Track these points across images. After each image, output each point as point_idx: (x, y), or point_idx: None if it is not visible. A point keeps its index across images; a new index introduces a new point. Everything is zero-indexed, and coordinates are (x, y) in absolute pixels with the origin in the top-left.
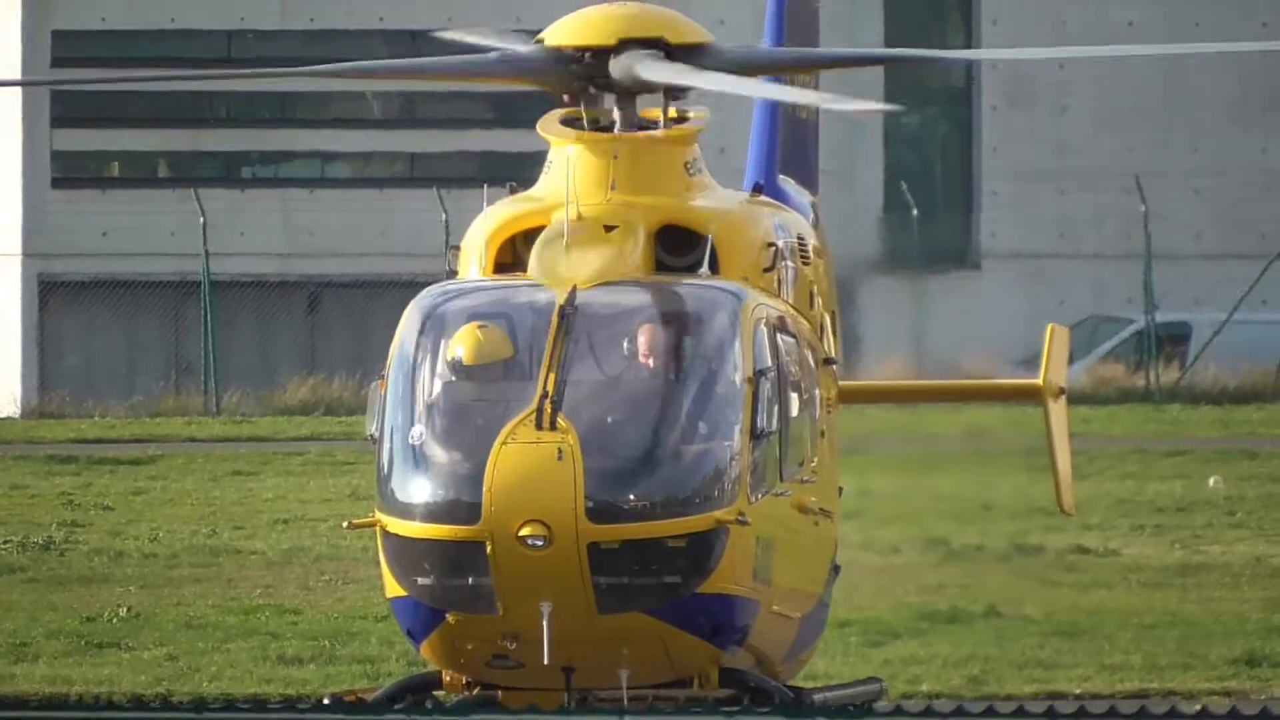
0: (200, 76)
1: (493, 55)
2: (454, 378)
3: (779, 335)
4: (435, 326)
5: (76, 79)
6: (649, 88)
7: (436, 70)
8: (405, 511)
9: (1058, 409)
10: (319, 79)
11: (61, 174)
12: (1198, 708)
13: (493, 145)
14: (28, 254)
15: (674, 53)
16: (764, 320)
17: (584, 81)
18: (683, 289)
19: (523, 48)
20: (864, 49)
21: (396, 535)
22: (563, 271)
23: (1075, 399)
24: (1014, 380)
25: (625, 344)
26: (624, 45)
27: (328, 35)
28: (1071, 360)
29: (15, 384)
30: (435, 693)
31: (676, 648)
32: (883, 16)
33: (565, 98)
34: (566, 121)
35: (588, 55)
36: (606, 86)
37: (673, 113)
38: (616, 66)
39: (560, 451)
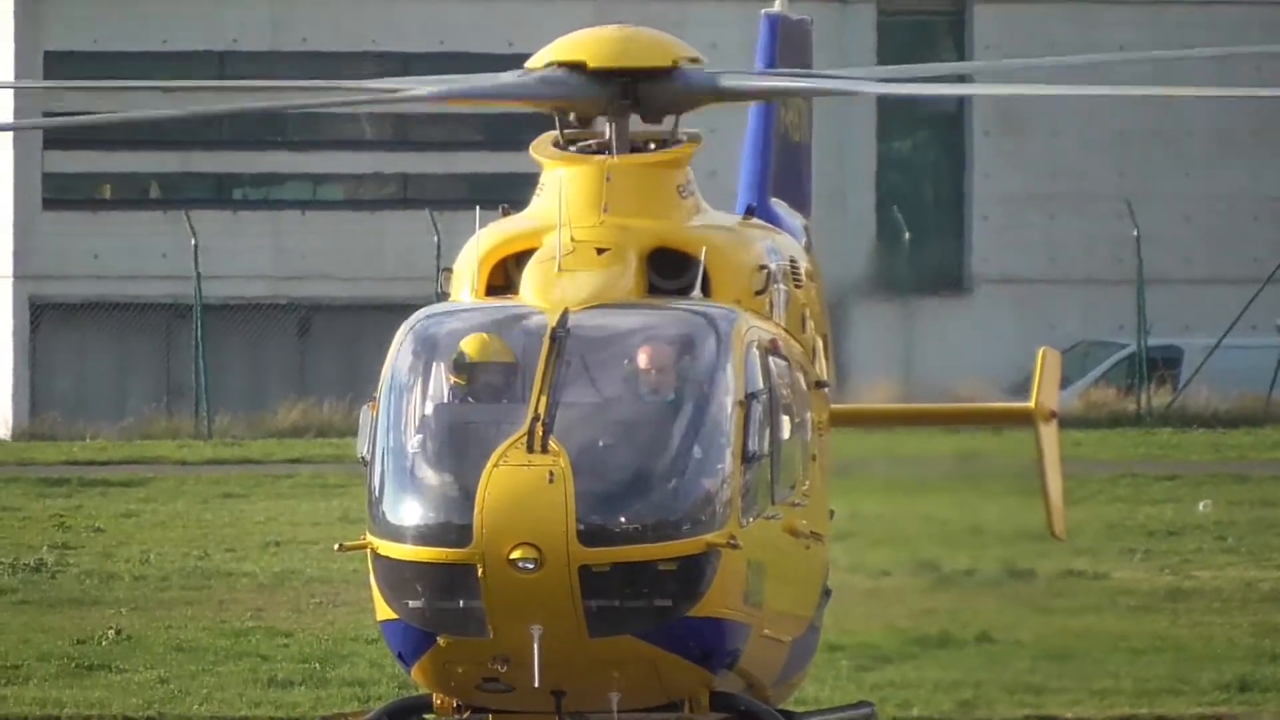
0: (242, 88)
1: (531, 77)
2: (445, 400)
3: (771, 358)
4: (427, 349)
5: (68, 120)
6: (690, 105)
7: (470, 94)
8: (396, 534)
9: (1049, 433)
10: (351, 105)
11: (53, 196)
12: None
13: (484, 167)
14: (19, 276)
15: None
16: (756, 343)
17: (619, 103)
18: (674, 312)
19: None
20: (857, 77)
21: (387, 558)
22: (555, 294)
23: (1066, 423)
24: (1005, 404)
25: (617, 367)
26: (677, 66)
27: (320, 57)
28: (1063, 384)
29: (6, 406)
30: (426, 716)
31: (667, 671)
32: (875, 40)
33: (573, 118)
34: (559, 144)
35: (636, 76)
36: (630, 109)
37: (658, 136)
38: (675, 88)
39: (551, 474)
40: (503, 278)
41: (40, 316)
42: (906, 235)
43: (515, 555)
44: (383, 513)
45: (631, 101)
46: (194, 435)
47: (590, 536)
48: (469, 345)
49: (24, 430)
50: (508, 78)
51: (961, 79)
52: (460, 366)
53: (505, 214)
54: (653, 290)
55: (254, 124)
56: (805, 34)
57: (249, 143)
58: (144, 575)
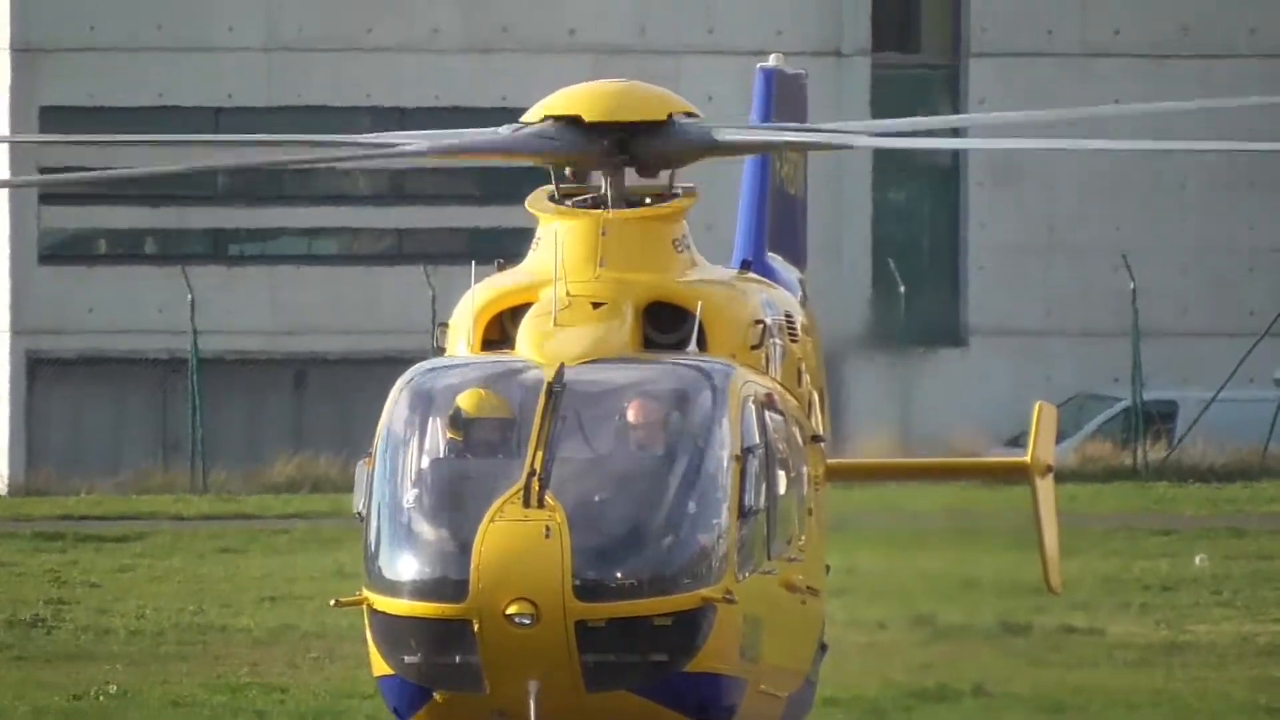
0: (240, 142)
1: (527, 131)
2: (441, 455)
3: (767, 412)
4: (422, 404)
5: (64, 177)
6: (683, 159)
7: (464, 148)
8: (392, 589)
9: (1045, 487)
10: (345, 161)
11: (49, 251)
12: None
13: (480, 222)
14: (15, 331)
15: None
16: (752, 397)
17: (615, 157)
18: (670, 366)
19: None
20: (851, 130)
21: (383, 613)
22: (551, 348)
23: (1062, 477)
24: (1002, 458)
25: (613, 421)
26: (672, 119)
27: (316, 111)
28: (1059, 438)
29: (2, 461)
30: None
31: None
32: (870, 94)
33: (569, 172)
34: (555, 198)
35: (630, 130)
36: (625, 163)
37: (656, 191)
38: (665, 139)
39: (548, 529)
40: (499, 332)
41: (36, 371)
42: (902, 288)
43: (512, 610)
44: (379, 568)
45: (626, 155)
46: (190, 490)
47: (586, 591)
48: (465, 400)
49: (20, 485)
50: (503, 132)
51: (955, 132)
52: (456, 421)
53: (501, 268)
54: (649, 344)
55: (249, 179)
56: (800, 87)
57: (244, 197)
58: (140, 630)
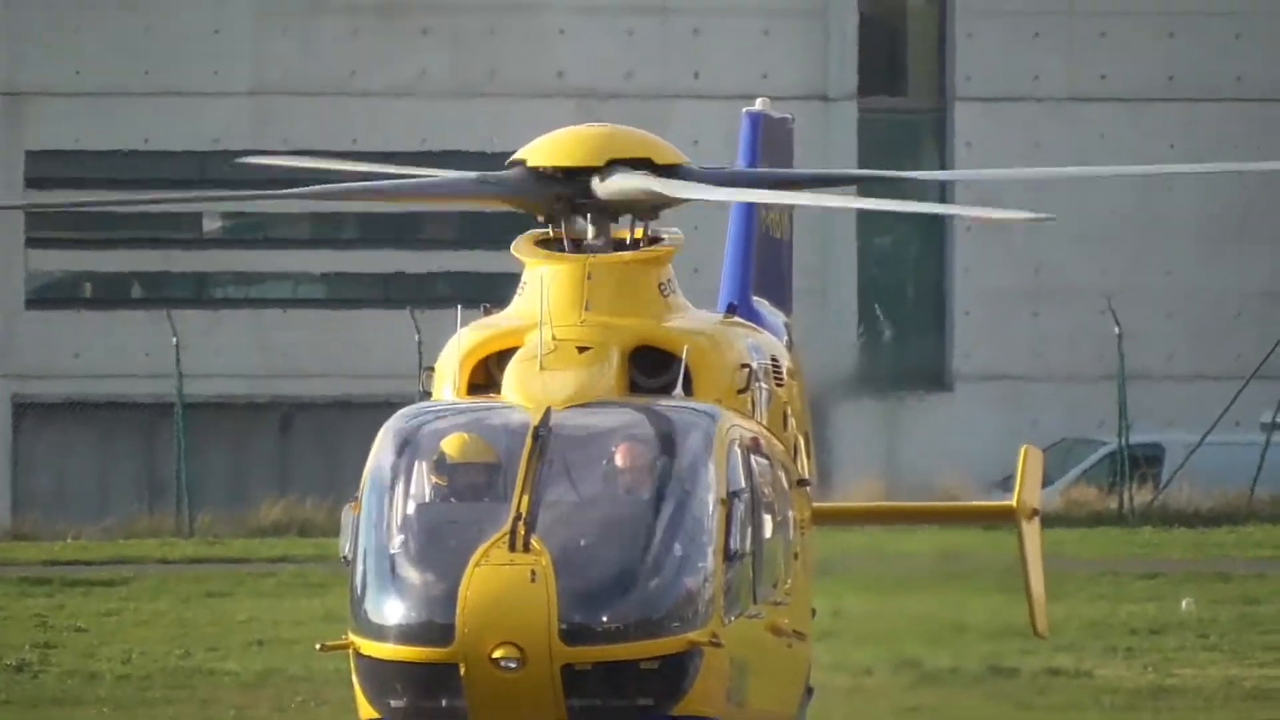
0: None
1: (473, 176)
2: (427, 499)
3: (753, 456)
4: (409, 448)
5: (53, 203)
6: (635, 206)
7: (416, 191)
8: (378, 633)
9: (1031, 530)
10: (298, 200)
11: (35, 295)
12: None
13: (466, 266)
14: (1, 375)
15: (659, 172)
16: (738, 441)
17: (565, 202)
18: (656, 410)
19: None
20: (839, 170)
21: (370, 657)
22: (537, 393)
23: (1048, 521)
24: (988, 502)
25: (599, 465)
26: (612, 165)
27: (301, 155)
28: (1045, 482)
29: None
30: None
31: None
32: (856, 137)
33: (541, 218)
34: (540, 242)
35: (573, 175)
36: (587, 207)
37: (640, 232)
38: (605, 186)
39: (533, 573)
40: (485, 376)
41: (22, 415)
42: (888, 332)
43: (498, 654)
44: (365, 612)
45: (578, 201)
46: (176, 533)
47: (572, 635)
48: (451, 444)
49: (6, 529)
50: (469, 177)
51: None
52: (442, 465)
53: (487, 312)
54: (634, 389)
55: (235, 222)
56: (787, 131)
57: (229, 241)
58: (126, 674)
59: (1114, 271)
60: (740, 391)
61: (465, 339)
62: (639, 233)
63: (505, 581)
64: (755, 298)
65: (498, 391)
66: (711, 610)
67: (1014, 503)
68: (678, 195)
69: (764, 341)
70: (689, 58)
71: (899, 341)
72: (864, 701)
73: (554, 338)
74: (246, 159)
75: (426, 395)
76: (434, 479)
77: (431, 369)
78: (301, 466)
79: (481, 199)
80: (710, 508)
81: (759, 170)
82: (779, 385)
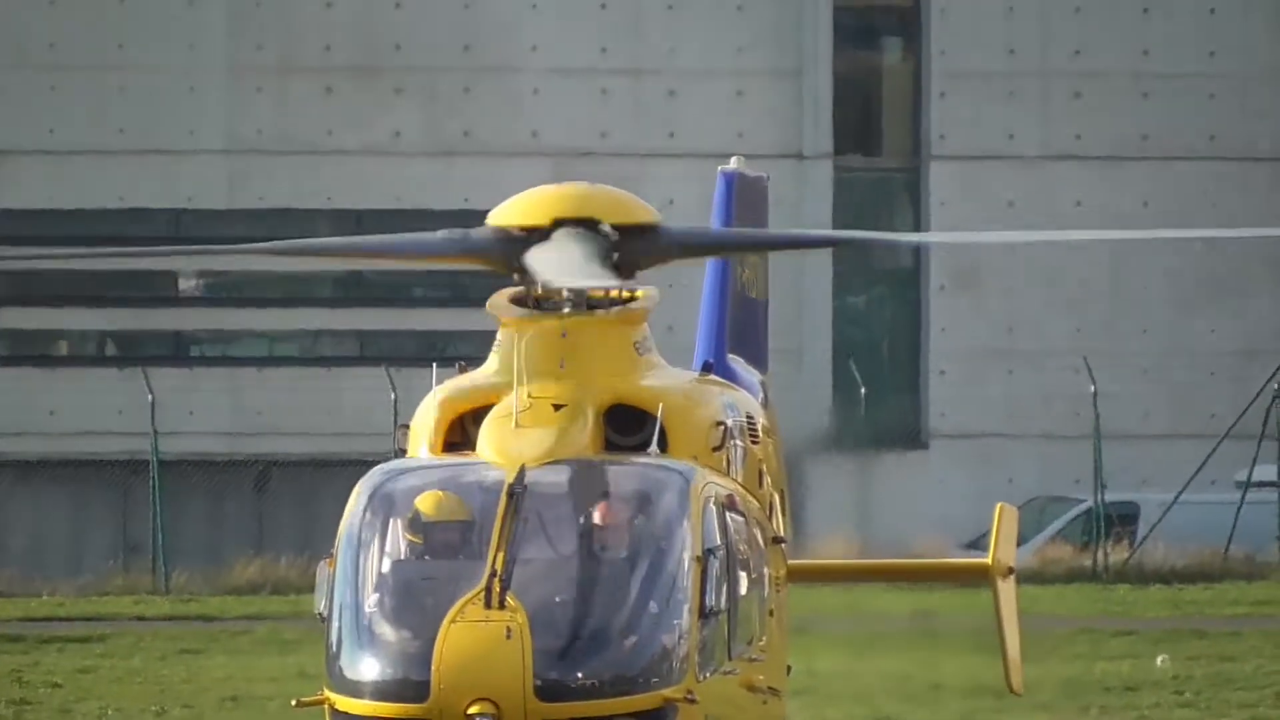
0: (148, 253)
1: (439, 234)
2: (402, 556)
3: (728, 514)
4: (383, 505)
5: (25, 255)
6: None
7: (382, 249)
8: (354, 689)
9: (1006, 589)
10: (266, 257)
11: (8, 352)
12: None
13: (441, 324)
14: None
15: (608, 233)
16: (713, 499)
17: (514, 261)
18: (631, 468)
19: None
20: (814, 231)
21: (345, 713)
22: (511, 450)
23: (1024, 578)
24: (963, 560)
25: (574, 523)
26: (558, 224)
27: (276, 214)
28: (1020, 540)
29: None
30: None
31: None
32: (831, 196)
33: (515, 276)
34: (515, 300)
35: (532, 234)
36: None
37: (614, 291)
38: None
39: (509, 630)
40: (460, 434)
41: None
42: (863, 390)
43: (473, 711)
44: (340, 668)
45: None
46: (151, 591)
47: (548, 692)
48: (425, 502)
49: None
50: (436, 236)
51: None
52: (417, 523)
53: (462, 370)
54: (610, 446)
55: (210, 281)
56: (762, 189)
57: (205, 300)
58: None
59: (1089, 330)
60: (716, 449)
61: (440, 397)
62: (614, 291)
63: (481, 638)
64: (731, 355)
65: (473, 449)
66: (687, 667)
67: (989, 561)
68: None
69: (739, 399)
70: (664, 117)
71: (874, 400)
72: None
73: (529, 396)
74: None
75: (402, 453)
76: (409, 536)
77: (407, 426)
78: (277, 524)
79: (452, 258)
80: (685, 565)
81: (735, 230)
82: (754, 443)
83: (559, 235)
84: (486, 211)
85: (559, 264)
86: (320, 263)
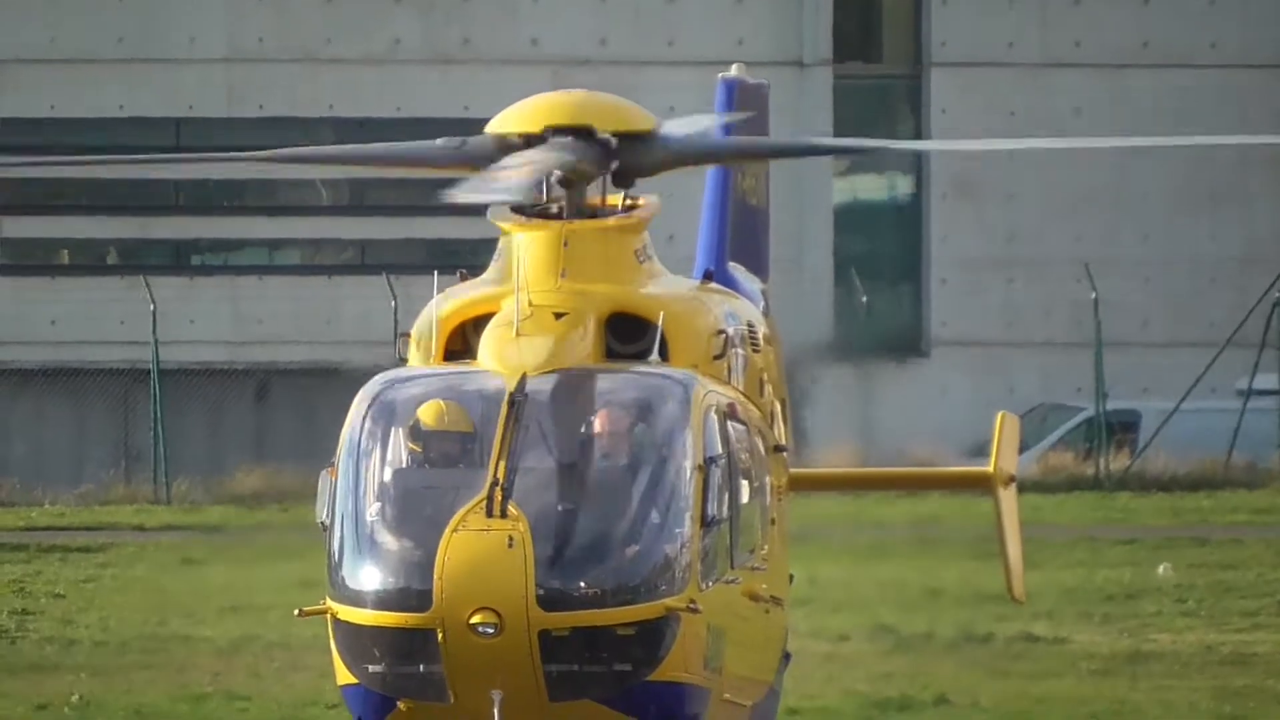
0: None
1: (437, 142)
2: (404, 465)
3: (729, 422)
4: (385, 414)
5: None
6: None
7: (382, 157)
8: (356, 599)
9: (1008, 497)
10: (266, 164)
11: (9, 261)
12: None
13: (442, 232)
14: None
15: (605, 140)
16: (714, 408)
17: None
18: (632, 376)
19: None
20: (814, 139)
21: (347, 622)
22: (512, 359)
23: (1024, 488)
24: (964, 468)
25: (575, 431)
26: (550, 132)
27: (276, 122)
28: (1022, 449)
29: None
30: None
31: None
32: (831, 104)
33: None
34: (516, 209)
35: (531, 142)
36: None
37: (615, 199)
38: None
39: (510, 539)
40: (461, 342)
41: None
42: (864, 299)
43: (475, 620)
44: (342, 578)
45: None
46: (152, 501)
47: (550, 601)
48: (426, 411)
49: None
50: (438, 144)
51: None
52: (418, 432)
53: (463, 279)
54: (610, 355)
55: (211, 189)
56: (762, 97)
57: (206, 208)
58: (104, 641)
59: (1089, 238)
60: (716, 357)
61: (441, 305)
62: (615, 199)
63: (483, 547)
64: (731, 264)
65: (474, 358)
66: (688, 576)
67: (990, 469)
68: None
69: (740, 308)
70: (663, 24)
71: (875, 309)
72: (841, 667)
73: (530, 304)
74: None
75: (403, 361)
76: (410, 445)
77: (407, 335)
78: (278, 433)
79: (451, 166)
80: (687, 474)
81: (733, 139)
82: (755, 351)
83: (550, 143)
84: (486, 120)
85: (508, 174)
86: (321, 171)
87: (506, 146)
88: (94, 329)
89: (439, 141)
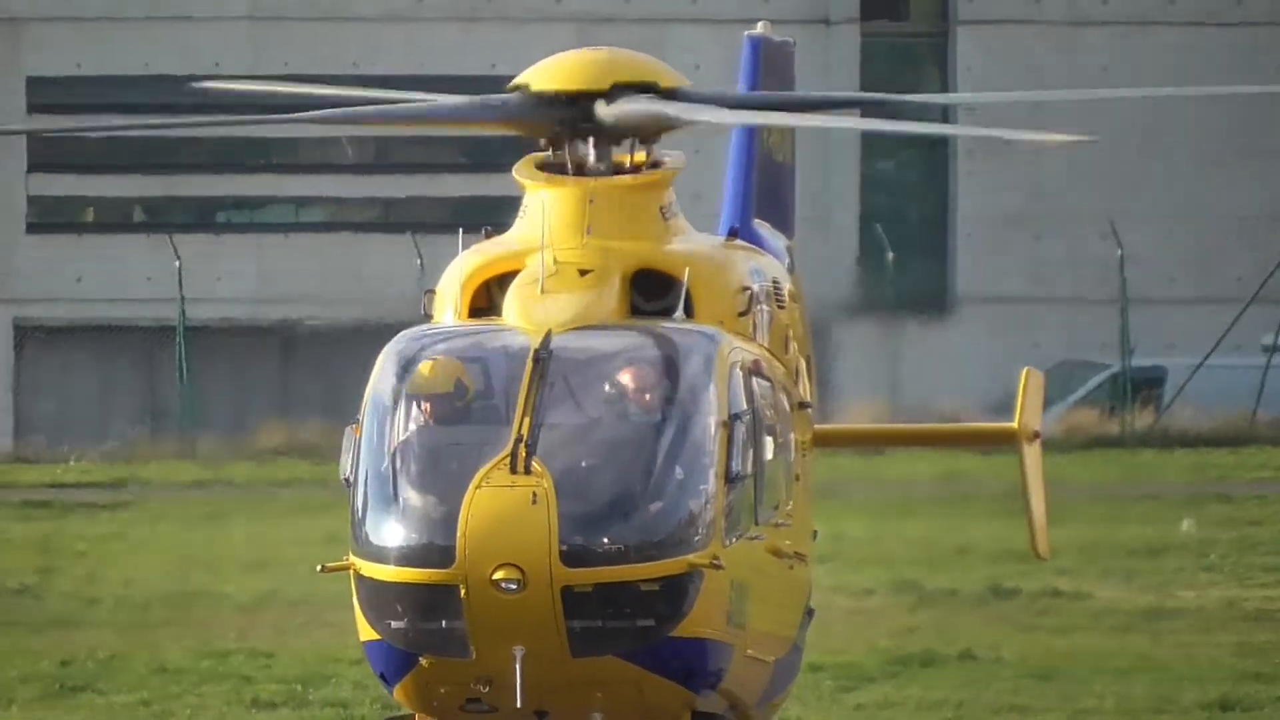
0: (175, 125)
1: (474, 99)
2: (428, 422)
3: (754, 379)
4: (409, 370)
5: (52, 127)
6: (639, 129)
7: (417, 115)
8: (379, 555)
9: (1032, 453)
10: (300, 124)
11: (36, 219)
12: None
13: (467, 190)
14: (2, 299)
15: (664, 96)
16: (739, 364)
17: (567, 126)
18: (658, 333)
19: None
20: (842, 93)
21: (370, 578)
22: (538, 316)
23: (1049, 444)
24: (989, 424)
25: (600, 388)
26: (616, 89)
27: (301, 80)
28: (1046, 405)
29: None
30: None
31: (650, 691)
32: (859, 62)
33: (542, 142)
34: (542, 166)
35: (575, 99)
36: (589, 131)
37: (641, 156)
38: (612, 109)
39: (534, 495)
40: (486, 300)
41: (24, 340)
42: (890, 255)
43: (498, 576)
44: (365, 534)
45: (583, 124)
46: (177, 457)
47: (573, 557)
48: (450, 367)
49: (7, 453)
50: (469, 101)
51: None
52: (442, 388)
53: (488, 236)
54: (635, 312)
55: (237, 147)
56: (788, 56)
57: (232, 166)
58: (127, 597)
59: (1115, 195)
60: (742, 314)
61: (466, 262)
62: (640, 156)
63: (506, 504)
64: (757, 220)
65: (499, 315)
66: (712, 532)
67: (1015, 425)
68: (686, 118)
69: (765, 264)
70: None
71: (900, 265)
72: (865, 623)
73: (555, 261)
74: (205, 84)
75: (428, 318)
76: (434, 402)
77: (433, 292)
78: (302, 390)
79: (483, 123)
80: (711, 430)
81: (762, 94)
82: (780, 308)
83: (624, 98)
84: (511, 77)
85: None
86: (356, 129)
87: (550, 103)
88: (120, 287)
89: (478, 99)
